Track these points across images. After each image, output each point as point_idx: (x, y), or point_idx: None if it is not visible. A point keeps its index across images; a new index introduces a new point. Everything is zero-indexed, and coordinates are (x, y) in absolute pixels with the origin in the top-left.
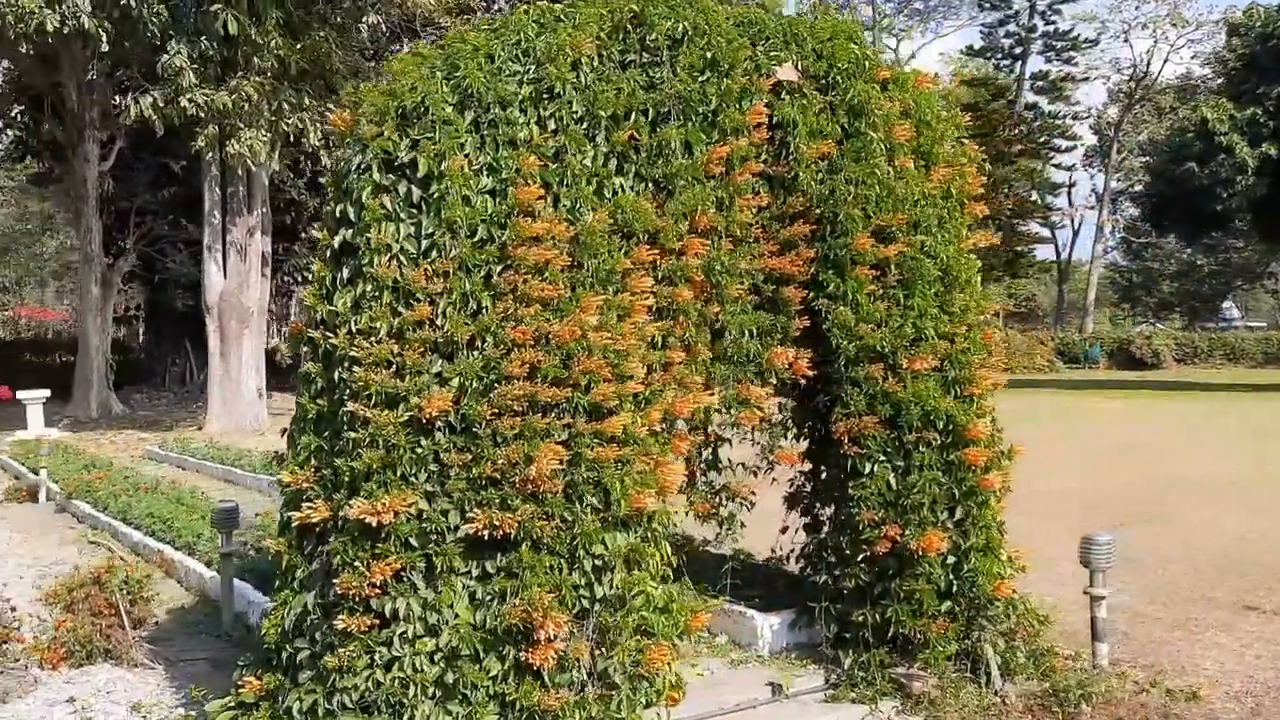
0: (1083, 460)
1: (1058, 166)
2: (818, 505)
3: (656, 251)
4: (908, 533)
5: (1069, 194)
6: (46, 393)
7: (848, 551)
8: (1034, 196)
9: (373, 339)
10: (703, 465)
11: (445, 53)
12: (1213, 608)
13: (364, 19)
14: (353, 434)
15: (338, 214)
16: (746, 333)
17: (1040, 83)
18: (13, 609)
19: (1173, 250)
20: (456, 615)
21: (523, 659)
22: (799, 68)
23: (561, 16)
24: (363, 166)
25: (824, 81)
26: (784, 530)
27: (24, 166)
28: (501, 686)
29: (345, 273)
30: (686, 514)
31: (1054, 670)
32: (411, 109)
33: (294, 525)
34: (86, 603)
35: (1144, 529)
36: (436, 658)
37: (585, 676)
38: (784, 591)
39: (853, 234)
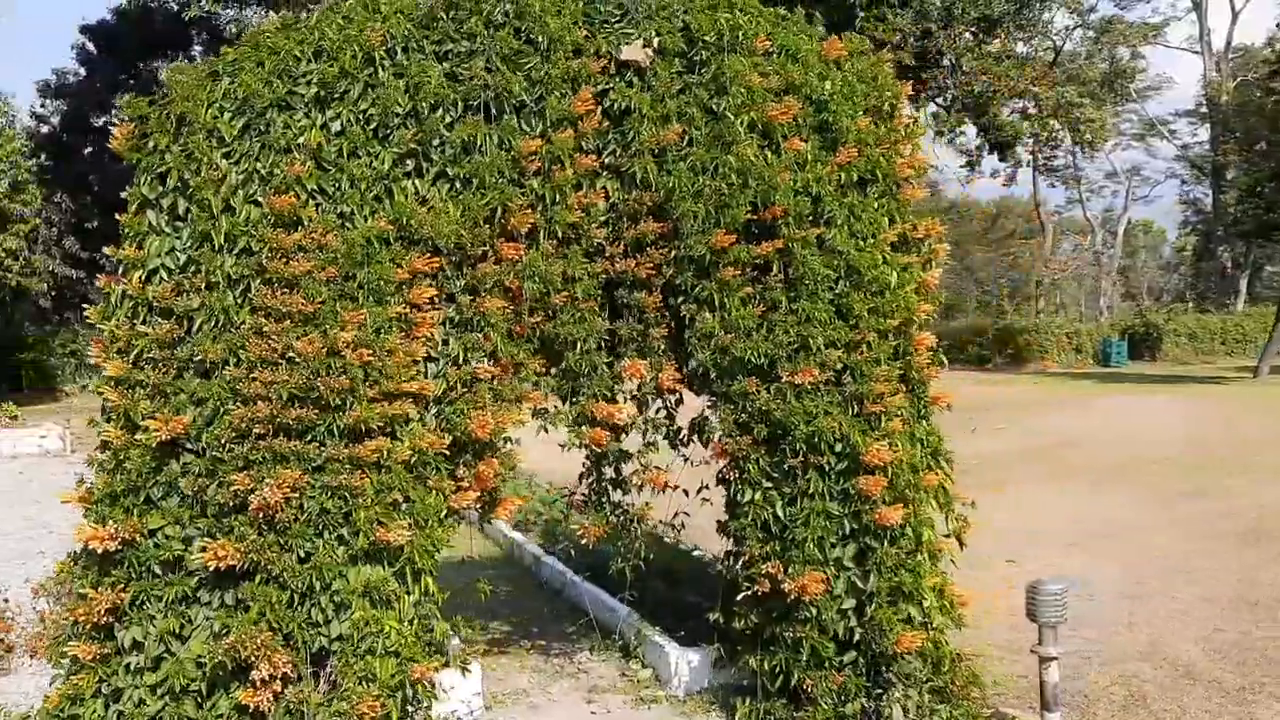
0: None
1: None
2: (724, 536)
3: (438, 260)
4: (789, 571)
5: None
6: None
7: (734, 589)
8: None
9: (116, 356)
10: (603, 484)
11: (232, 56)
12: None
13: None
14: (101, 455)
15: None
16: (580, 345)
17: None
18: (5, 600)
19: None
20: (186, 649)
21: (243, 700)
22: (652, 45)
23: (374, 7)
24: (135, 181)
25: (688, 58)
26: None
27: None
28: None
29: (119, 289)
30: (581, 538)
31: None
32: (181, 118)
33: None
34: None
35: None
36: (159, 691)
37: None
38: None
39: (710, 231)
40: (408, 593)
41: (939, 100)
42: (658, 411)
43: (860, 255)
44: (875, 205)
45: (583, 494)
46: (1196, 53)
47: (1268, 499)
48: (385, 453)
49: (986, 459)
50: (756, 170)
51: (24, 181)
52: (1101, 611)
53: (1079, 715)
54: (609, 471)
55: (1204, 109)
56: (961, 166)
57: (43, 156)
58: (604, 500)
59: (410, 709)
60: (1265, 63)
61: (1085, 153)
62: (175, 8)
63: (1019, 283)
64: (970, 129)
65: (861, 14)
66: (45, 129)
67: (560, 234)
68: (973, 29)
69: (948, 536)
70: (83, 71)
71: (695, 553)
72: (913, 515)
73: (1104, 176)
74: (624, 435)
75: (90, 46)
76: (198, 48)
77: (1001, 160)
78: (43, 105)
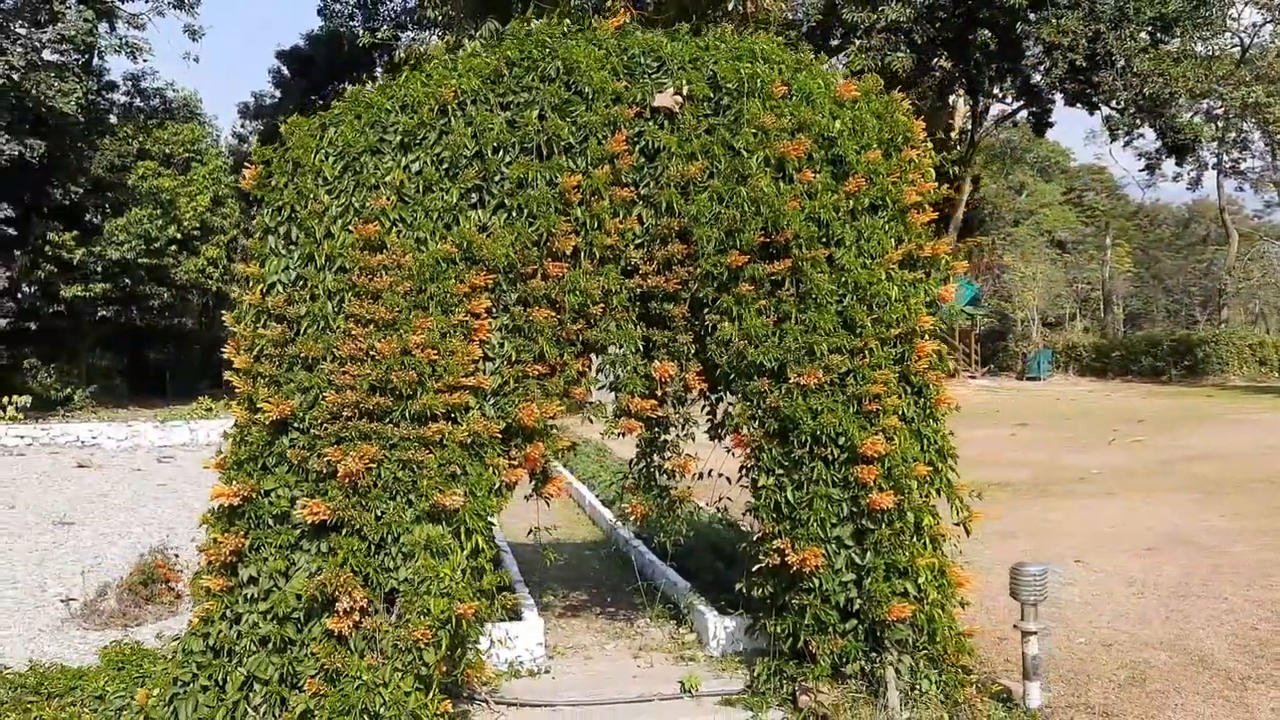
0: None
1: None
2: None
3: (492, 276)
4: (796, 546)
5: None
6: None
7: (755, 562)
8: None
9: (243, 353)
10: (650, 469)
11: (338, 110)
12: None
13: None
14: (231, 431)
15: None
16: (619, 348)
17: None
18: (176, 555)
19: None
20: (290, 584)
21: (330, 626)
22: (683, 93)
23: (454, 67)
24: (260, 212)
25: (715, 102)
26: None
27: None
28: (317, 647)
29: (246, 299)
30: (631, 515)
31: (957, 704)
32: (296, 162)
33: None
34: None
35: None
36: (269, 616)
37: (389, 647)
38: None
39: (727, 251)
40: (460, 548)
41: (1112, 103)
42: (703, 409)
43: (864, 272)
44: (883, 228)
45: (634, 478)
46: None
47: None
48: (446, 434)
49: (1111, 469)
50: (767, 199)
51: (224, 196)
52: (1125, 604)
53: (1073, 690)
54: (656, 459)
55: None
56: (1141, 170)
57: (242, 173)
58: (652, 483)
59: (457, 640)
60: None
61: (1276, 154)
62: (360, 33)
63: (1211, 291)
64: (1149, 132)
65: (1034, 16)
66: (245, 147)
67: (598, 255)
68: (1148, 29)
69: (961, 525)
70: (278, 94)
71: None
72: (907, 502)
73: None
74: (668, 428)
75: (285, 70)
76: (380, 70)
77: (1179, 164)
78: (242, 125)
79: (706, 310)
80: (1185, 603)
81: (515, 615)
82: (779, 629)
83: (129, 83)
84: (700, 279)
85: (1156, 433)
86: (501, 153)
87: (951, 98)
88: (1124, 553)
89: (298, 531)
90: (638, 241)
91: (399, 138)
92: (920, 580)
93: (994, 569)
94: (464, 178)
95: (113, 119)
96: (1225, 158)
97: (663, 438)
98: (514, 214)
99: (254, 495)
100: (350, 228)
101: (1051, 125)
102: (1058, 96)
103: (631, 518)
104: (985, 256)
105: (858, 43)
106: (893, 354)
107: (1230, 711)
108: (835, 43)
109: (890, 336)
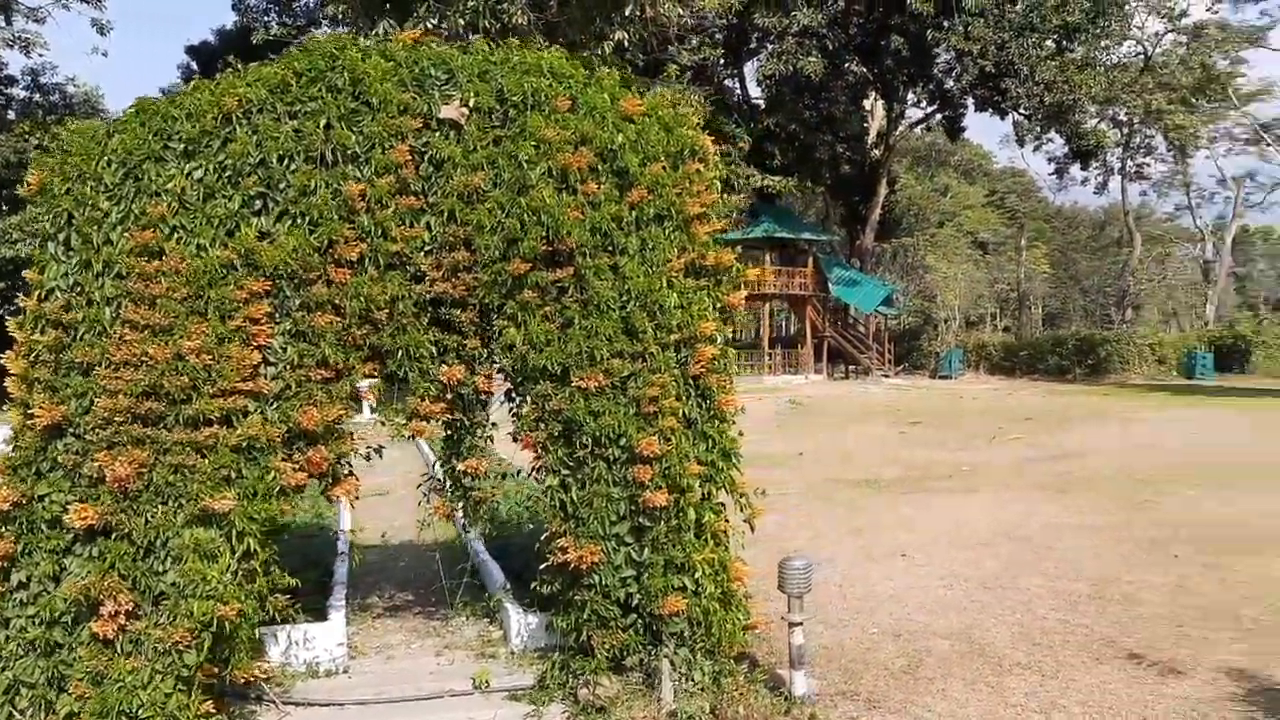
0: None
1: None
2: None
3: (274, 282)
4: (577, 544)
5: None
6: None
7: (544, 560)
8: None
9: (21, 359)
10: (454, 471)
11: (125, 118)
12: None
13: None
14: (9, 436)
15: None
16: (401, 353)
17: None
18: None
19: None
20: (60, 589)
21: (95, 629)
22: (469, 105)
23: (241, 78)
24: (40, 218)
25: (503, 115)
26: None
27: None
28: (84, 650)
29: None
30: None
31: (724, 694)
32: (76, 168)
33: None
34: None
35: None
36: (38, 620)
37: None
38: None
39: (510, 259)
40: (231, 551)
41: (1019, 109)
42: (511, 411)
43: (646, 280)
44: (667, 237)
45: (438, 479)
46: None
47: (1205, 510)
48: (219, 438)
49: (981, 466)
50: (548, 209)
51: None
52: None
53: (846, 678)
54: (455, 462)
55: None
56: (1051, 174)
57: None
58: (458, 485)
59: (223, 642)
60: None
61: (1178, 160)
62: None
63: (1126, 292)
64: (1059, 137)
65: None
66: None
67: (384, 261)
68: (1053, 37)
69: (745, 521)
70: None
71: None
72: (685, 500)
73: (1216, 183)
74: (473, 431)
75: (194, 65)
76: None
77: (1085, 169)
78: None
79: (495, 316)
80: (989, 594)
81: (322, 616)
82: (564, 624)
83: (28, 78)
84: (486, 285)
85: (1039, 431)
86: (286, 161)
87: (867, 102)
88: (956, 547)
89: (70, 536)
90: (427, 249)
91: (182, 145)
92: (698, 575)
93: (836, 564)
94: (246, 185)
95: (10, 115)
96: (1129, 163)
97: (468, 441)
98: (297, 221)
99: (25, 500)
100: (129, 234)
101: (964, 130)
102: (969, 102)
103: (434, 518)
104: (909, 257)
105: (770, 47)
106: (674, 358)
107: (986, 696)
108: (751, 46)
109: (671, 342)
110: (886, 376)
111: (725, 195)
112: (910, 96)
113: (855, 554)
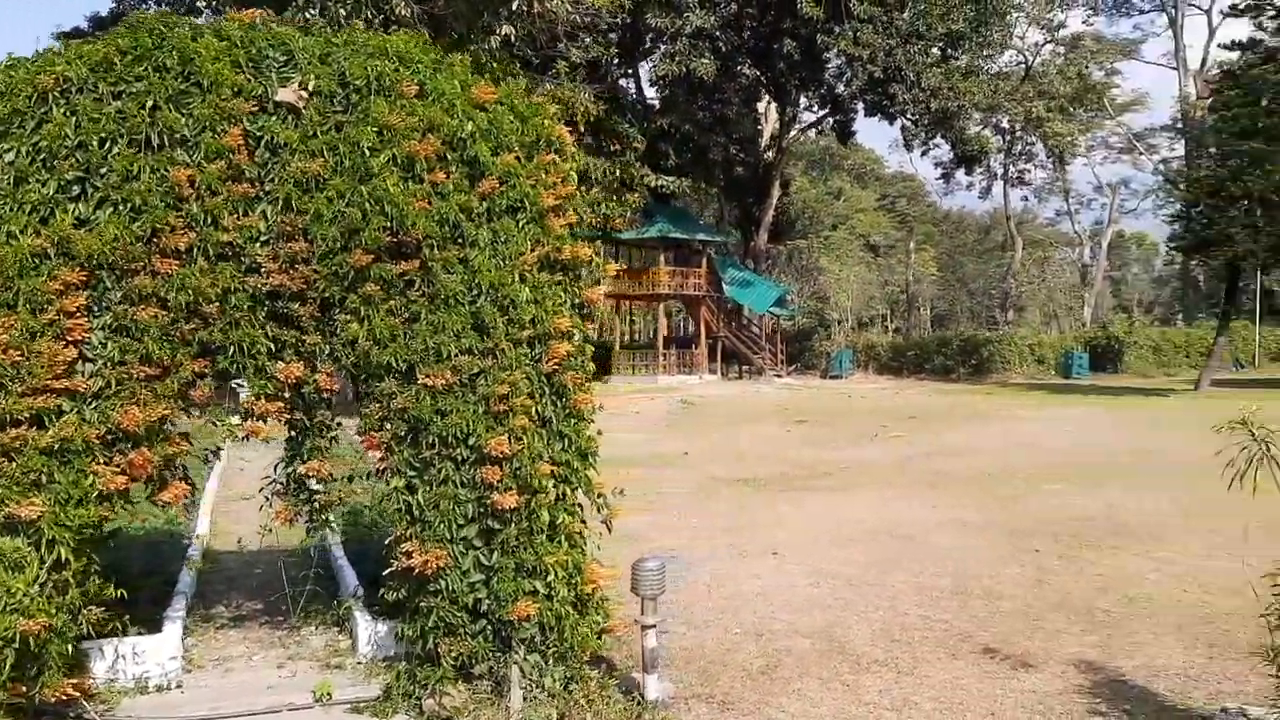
0: None
1: None
2: None
3: (91, 273)
4: (422, 548)
5: None
6: None
7: (389, 566)
8: None
9: None
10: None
11: None
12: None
13: None
14: None
15: None
16: (233, 350)
17: None
18: None
19: None
20: None
21: None
22: (308, 88)
23: (61, 55)
24: None
25: (345, 99)
26: None
27: None
28: None
29: None
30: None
31: (573, 700)
32: None
33: None
34: None
35: None
36: None
37: None
38: None
39: (351, 250)
40: (40, 560)
41: (907, 114)
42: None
43: (497, 274)
44: (520, 230)
45: (280, 482)
46: (1174, 69)
47: (1074, 504)
48: (28, 440)
49: (861, 464)
50: (391, 199)
51: None
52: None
53: (702, 680)
54: (299, 466)
55: (1180, 125)
56: (937, 179)
57: None
58: (300, 487)
59: (29, 658)
60: (1207, 83)
61: (1056, 167)
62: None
63: (1009, 294)
64: (945, 142)
65: (836, 29)
66: None
67: (214, 252)
68: (939, 44)
69: (603, 522)
70: None
71: None
72: (537, 501)
73: (1093, 190)
74: (320, 432)
75: None
76: None
77: (969, 174)
78: None
79: (336, 310)
80: (855, 591)
81: (157, 627)
82: (411, 632)
83: None
84: (326, 278)
85: (921, 429)
86: (107, 144)
87: (760, 105)
88: (827, 545)
89: None
90: (262, 239)
91: None
92: (550, 579)
93: (707, 563)
94: (62, 169)
95: None
96: (1012, 169)
97: (310, 443)
98: (119, 208)
99: None
100: None
101: (854, 134)
102: (859, 106)
103: (276, 523)
104: (803, 259)
105: (663, 48)
106: (526, 355)
107: (841, 694)
108: (645, 46)
109: (523, 338)
110: (779, 376)
111: (622, 194)
112: (802, 100)
113: (728, 553)
